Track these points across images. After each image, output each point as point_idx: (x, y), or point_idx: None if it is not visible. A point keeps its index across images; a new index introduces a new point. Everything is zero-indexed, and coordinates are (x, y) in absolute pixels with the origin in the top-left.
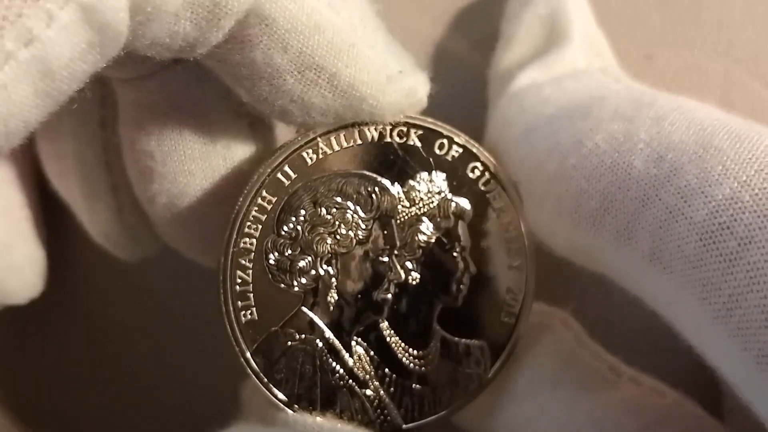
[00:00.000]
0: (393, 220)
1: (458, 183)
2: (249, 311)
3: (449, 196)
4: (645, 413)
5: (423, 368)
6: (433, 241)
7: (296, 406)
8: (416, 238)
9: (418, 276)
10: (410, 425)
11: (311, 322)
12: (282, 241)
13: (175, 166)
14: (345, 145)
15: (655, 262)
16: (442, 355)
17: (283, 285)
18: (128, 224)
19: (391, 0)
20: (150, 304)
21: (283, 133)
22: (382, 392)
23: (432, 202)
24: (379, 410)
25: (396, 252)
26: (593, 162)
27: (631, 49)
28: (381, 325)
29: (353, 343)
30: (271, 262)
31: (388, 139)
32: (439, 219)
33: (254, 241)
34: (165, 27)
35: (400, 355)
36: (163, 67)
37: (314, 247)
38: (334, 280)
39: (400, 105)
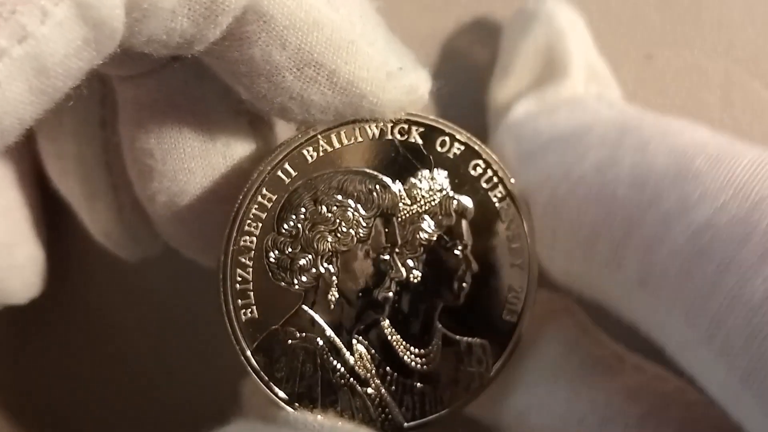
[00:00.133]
0: (394, 218)
1: (460, 181)
2: (249, 309)
3: (451, 193)
4: (648, 400)
5: (424, 367)
6: (434, 239)
7: (297, 404)
8: (418, 236)
9: (420, 274)
10: (411, 424)
11: (312, 320)
12: (282, 239)
13: (175, 165)
14: (346, 142)
15: (644, 288)
16: (444, 354)
17: (283, 283)
18: (129, 224)
19: None
20: (150, 303)
21: (283, 130)
22: (383, 391)
23: (434, 199)
24: (380, 409)
25: (397, 250)
26: (581, 192)
27: (631, 49)
28: (382, 323)
29: (354, 341)
30: (272, 260)
31: (389, 137)
32: (440, 217)
33: (254, 239)
34: (162, 24)
35: (401, 354)
36: (162, 64)
37: (315, 245)
38: (334, 278)
39: (400, 102)
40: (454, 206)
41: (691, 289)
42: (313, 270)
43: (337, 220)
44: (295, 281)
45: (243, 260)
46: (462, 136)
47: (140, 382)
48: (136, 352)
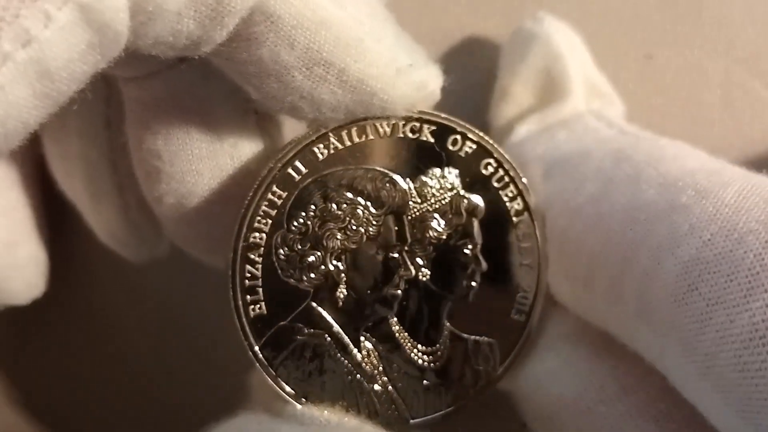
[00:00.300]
0: (404, 216)
1: (471, 179)
2: (258, 305)
3: (462, 192)
4: None
5: (432, 364)
6: (444, 237)
7: (304, 399)
8: (427, 234)
9: (429, 272)
10: (417, 420)
11: (320, 317)
12: (292, 236)
13: (183, 166)
14: (356, 140)
15: (642, 321)
16: (451, 352)
17: (292, 280)
18: (134, 224)
19: None
20: (150, 303)
21: (291, 131)
22: (390, 387)
23: (444, 198)
24: (386, 405)
25: (407, 248)
26: (579, 225)
27: (631, 49)
28: (390, 320)
29: (362, 338)
30: (281, 257)
31: (401, 135)
32: (451, 215)
33: (264, 236)
34: (168, 26)
35: (408, 351)
36: (168, 65)
37: (324, 242)
38: (343, 275)
39: (411, 98)
40: (464, 205)
41: (685, 324)
42: (322, 267)
43: (347, 218)
44: (304, 278)
45: (252, 257)
46: (474, 134)
47: (140, 382)
48: (136, 352)
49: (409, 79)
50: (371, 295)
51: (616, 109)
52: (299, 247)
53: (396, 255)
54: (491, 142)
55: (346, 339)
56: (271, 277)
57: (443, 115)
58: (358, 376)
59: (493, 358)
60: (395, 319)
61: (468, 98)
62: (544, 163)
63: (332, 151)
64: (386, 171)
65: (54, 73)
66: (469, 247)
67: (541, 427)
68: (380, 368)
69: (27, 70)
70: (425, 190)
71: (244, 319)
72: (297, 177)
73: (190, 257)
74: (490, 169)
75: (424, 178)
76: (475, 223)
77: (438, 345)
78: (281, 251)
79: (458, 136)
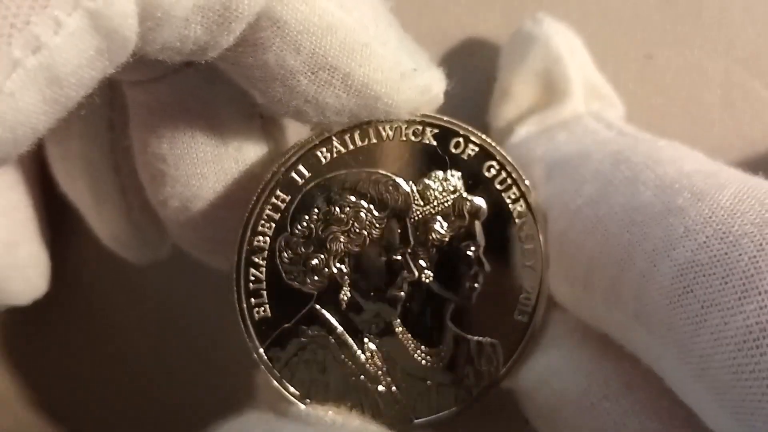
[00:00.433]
0: (407, 219)
1: (474, 182)
2: (262, 308)
3: (464, 194)
4: None
5: (435, 365)
6: (447, 239)
7: (308, 400)
8: (430, 236)
9: (432, 274)
10: (421, 421)
11: (324, 319)
12: (295, 239)
13: (188, 170)
14: (360, 143)
15: (639, 323)
16: (455, 353)
17: (296, 283)
18: (137, 226)
19: None
20: (150, 304)
21: (296, 134)
22: (393, 388)
23: (447, 200)
24: (390, 406)
25: (410, 250)
26: (578, 226)
27: (631, 49)
28: (393, 322)
29: (366, 340)
30: (285, 260)
31: (404, 138)
32: (453, 218)
33: (268, 239)
34: (175, 32)
35: (412, 352)
36: (174, 69)
37: (327, 245)
38: (347, 278)
39: (415, 102)
40: (467, 207)
41: (680, 326)
42: (326, 270)
43: (350, 221)
44: (308, 281)
45: (256, 260)
46: (476, 137)
47: (140, 382)
48: (136, 352)
49: (413, 83)
50: (375, 297)
51: (616, 111)
52: (303, 250)
53: (399, 257)
54: (494, 144)
55: (350, 341)
56: (275, 280)
57: (446, 118)
58: (362, 377)
59: (496, 359)
60: (399, 320)
61: (468, 99)
62: (545, 165)
63: (335, 155)
64: (389, 174)
65: (63, 79)
66: (472, 248)
67: (543, 424)
68: (384, 369)
69: (37, 77)
70: (428, 193)
71: (248, 322)
72: (300, 181)
73: (190, 258)
74: (493, 171)
75: (426, 181)
76: (478, 225)
77: (441, 346)
78: (285, 254)
79: (461, 139)
